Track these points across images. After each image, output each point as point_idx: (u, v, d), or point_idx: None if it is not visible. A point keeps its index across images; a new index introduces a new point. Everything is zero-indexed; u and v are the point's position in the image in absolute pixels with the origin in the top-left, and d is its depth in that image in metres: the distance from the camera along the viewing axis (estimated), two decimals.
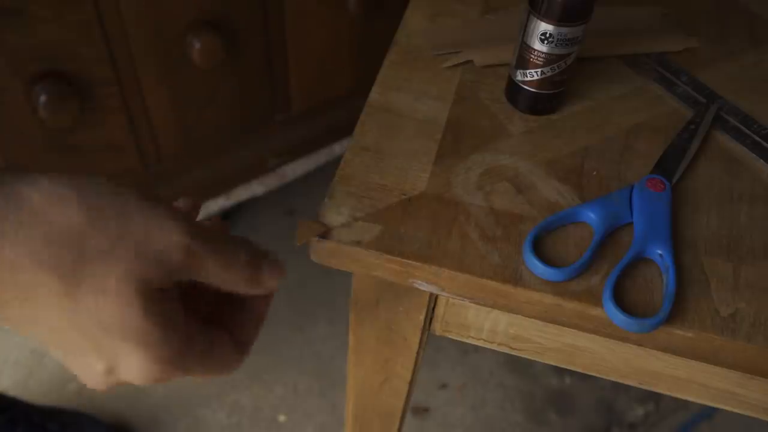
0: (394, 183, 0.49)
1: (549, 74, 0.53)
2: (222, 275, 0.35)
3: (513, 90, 0.56)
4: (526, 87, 0.54)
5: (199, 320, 0.37)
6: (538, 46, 0.51)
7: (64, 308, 0.31)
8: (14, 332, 0.31)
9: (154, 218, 0.32)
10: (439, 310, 0.53)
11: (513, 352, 0.54)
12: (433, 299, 0.52)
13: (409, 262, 0.45)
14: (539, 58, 0.52)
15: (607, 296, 0.44)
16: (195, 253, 0.33)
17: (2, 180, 0.30)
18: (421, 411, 1.20)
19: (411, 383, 0.61)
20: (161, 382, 0.34)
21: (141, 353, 0.32)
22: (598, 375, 0.54)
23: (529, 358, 0.54)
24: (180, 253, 0.32)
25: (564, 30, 0.50)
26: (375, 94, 0.56)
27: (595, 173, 0.52)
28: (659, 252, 0.46)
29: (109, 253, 0.31)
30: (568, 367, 0.54)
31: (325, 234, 0.46)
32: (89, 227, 0.31)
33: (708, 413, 1.23)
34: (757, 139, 0.55)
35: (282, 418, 1.18)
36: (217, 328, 0.38)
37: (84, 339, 0.32)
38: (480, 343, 0.54)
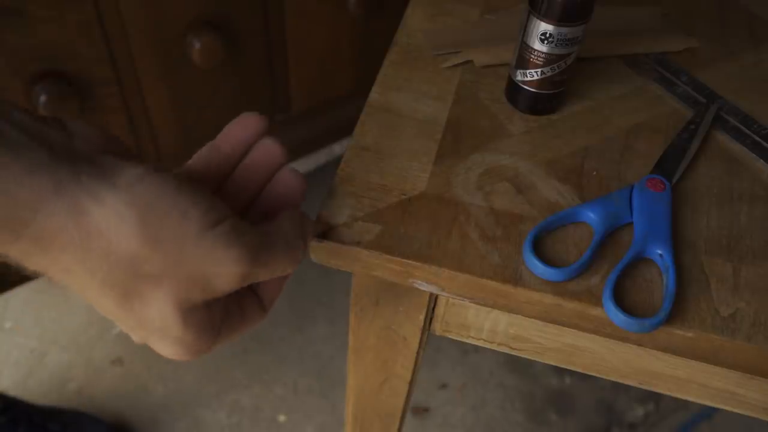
0: (394, 183, 0.49)
1: (549, 74, 0.53)
2: (273, 275, 0.37)
3: (513, 90, 0.56)
4: (526, 87, 0.54)
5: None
6: (538, 46, 0.51)
7: (110, 308, 0.33)
8: None
9: (214, 247, 0.32)
10: (439, 310, 0.53)
11: (513, 352, 0.54)
12: (433, 299, 0.52)
13: (409, 262, 0.45)
14: (539, 58, 0.52)
15: (607, 296, 0.44)
16: (250, 276, 0.34)
17: (66, 188, 0.30)
18: (421, 411, 1.20)
19: (411, 383, 0.61)
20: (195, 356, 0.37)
21: (175, 348, 0.34)
22: (598, 375, 0.54)
23: (529, 358, 0.54)
24: (234, 280, 0.33)
25: (564, 30, 0.50)
26: (375, 94, 0.56)
27: (595, 173, 0.52)
28: (659, 252, 0.46)
29: (160, 276, 0.32)
30: (568, 367, 0.54)
31: (325, 234, 0.46)
32: (146, 251, 0.31)
33: (708, 413, 1.23)
34: (757, 139, 0.55)
35: (282, 418, 1.18)
36: (244, 291, 0.39)
37: (125, 326, 0.34)
38: (480, 343, 0.54)
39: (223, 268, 0.33)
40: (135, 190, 0.31)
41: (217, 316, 0.36)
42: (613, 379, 0.53)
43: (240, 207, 0.41)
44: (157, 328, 0.33)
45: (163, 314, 0.33)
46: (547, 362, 0.54)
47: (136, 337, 0.35)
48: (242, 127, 0.42)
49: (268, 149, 0.42)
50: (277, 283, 0.41)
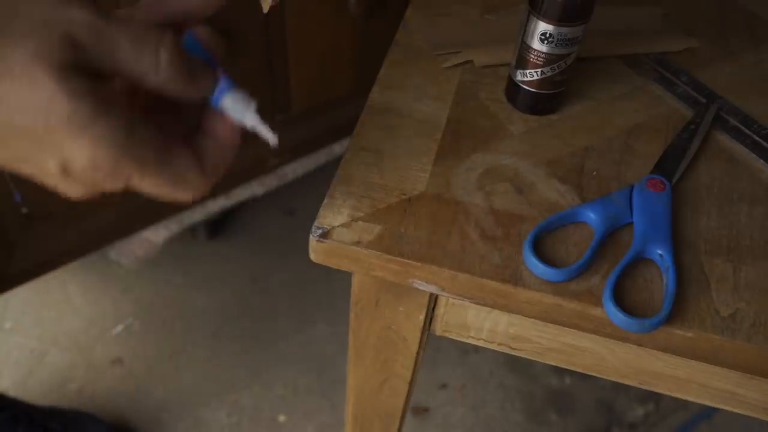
0: (394, 183, 0.49)
1: (549, 74, 0.53)
2: (138, 62, 0.32)
3: (513, 90, 0.56)
4: (526, 87, 0.54)
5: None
6: (538, 46, 0.51)
7: None
8: None
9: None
10: (439, 310, 0.53)
11: (513, 352, 0.54)
12: (433, 299, 0.52)
13: (409, 262, 0.45)
14: (539, 58, 0.52)
15: (607, 296, 0.44)
16: (101, 32, 0.31)
17: None
18: (421, 411, 1.20)
19: (411, 383, 0.61)
20: (120, 174, 0.32)
21: (80, 134, 0.30)
22: (598, 375, 0.54)
23: (529, 358, 0.54)
24: (83, 29, 0.30)
25: (564, 30, 0.50)
26: (375, 94, 0.56)
27: (595, 173, 0.52)
28: (659, 252, 0.46)
29: (4, 32, 0.29)
30: (568, 367, 0.54)
31: (325, 234, 0.46)
32: None
33: (708, 413, 1.23)
34: (757, 139, 0.55)
35: (282, 418, 1.18)
36: (180, 144, 0.36)
37: (20, 137, 0.30)
38: (480, 343, 0.54)
39: (67, 12, 0.30)
40: None
41: (118, 102, 0.32)
42: (613, 379, 0.53)
43: None
44: (43, 108, 0.29)
45: (34, 80, 0.29)
46: (547, 362, 0.54)
47: (52, 164, 0.31)
48: None
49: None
50: (219, 150, 0.38)
